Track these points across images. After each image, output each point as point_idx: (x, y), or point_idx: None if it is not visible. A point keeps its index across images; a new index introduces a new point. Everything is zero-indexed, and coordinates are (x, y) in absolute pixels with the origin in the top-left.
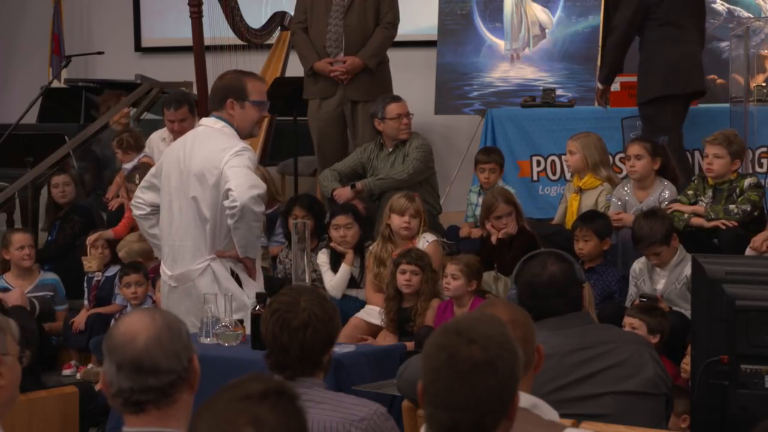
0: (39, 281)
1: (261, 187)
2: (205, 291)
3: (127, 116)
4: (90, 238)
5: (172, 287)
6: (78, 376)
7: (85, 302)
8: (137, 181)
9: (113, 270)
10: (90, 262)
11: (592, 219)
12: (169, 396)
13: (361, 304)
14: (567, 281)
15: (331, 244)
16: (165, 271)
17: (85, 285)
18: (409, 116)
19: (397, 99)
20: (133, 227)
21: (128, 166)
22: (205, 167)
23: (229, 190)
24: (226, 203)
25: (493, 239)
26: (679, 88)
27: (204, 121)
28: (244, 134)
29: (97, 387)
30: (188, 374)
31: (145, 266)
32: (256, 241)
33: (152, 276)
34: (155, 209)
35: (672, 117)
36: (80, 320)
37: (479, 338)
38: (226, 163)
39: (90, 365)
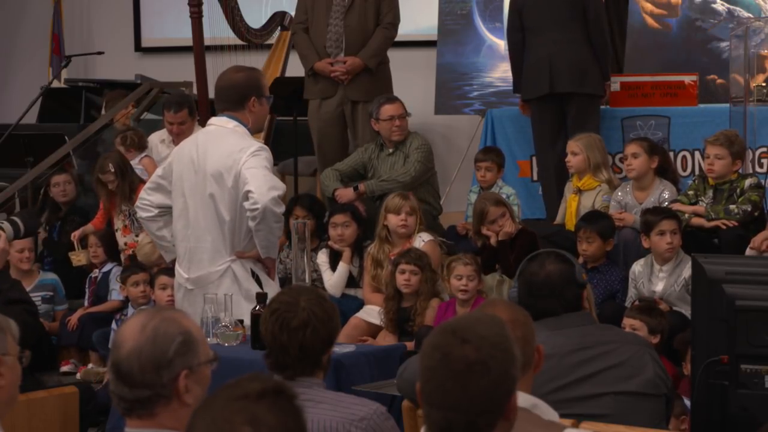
0: (39, 281)
1: (281, 188)
2: (226, 292)
3: (130, 115)
4: (74, 235)
5: (188, 290)
6: (78, 375)
7: (86, 302)
8: (111, 169)
9: (109, 266)
10: (78, 256)
11: (596, 220)
12: (146, 409)
13: (360, 303)
14: (563, 281)
15: (329, 243)
16: (181, 273)
17: (87, 284)
18: (404, 118)
19: (393, 100)
20: (110, 218)
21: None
22: (222, 167)
23: (249, 191)
24: (247, 205)
25: (493, 241)
26: (530, 92)
27: (214, 120)
28: (257, 129)
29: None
30: (168, 392)
31: (148, 266)
32: (277, 241)
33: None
34: (163, 211)
35: (535, 120)
36: (74, 319)
37: (473, 338)
38: (244, 163)
39: (90, 365)
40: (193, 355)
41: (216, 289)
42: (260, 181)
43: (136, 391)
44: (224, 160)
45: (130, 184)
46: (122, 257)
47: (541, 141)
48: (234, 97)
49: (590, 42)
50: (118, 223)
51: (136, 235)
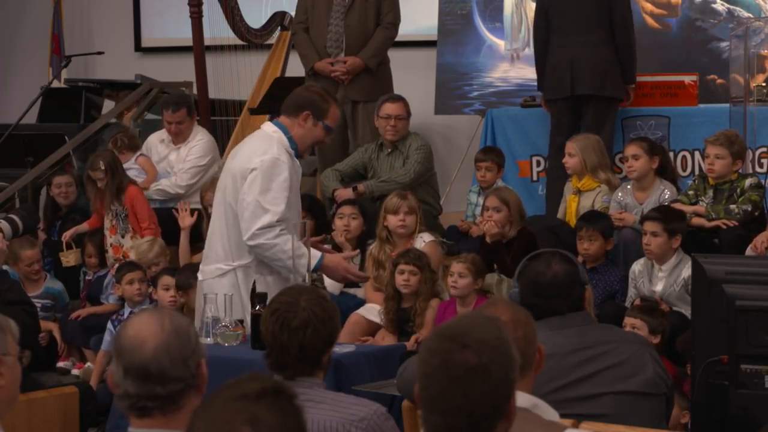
0: (44, 289)
1: (264, 220)
2: (215, 290)
3: (143, 116)
4: (65, 235)
5: (198, 280)
6: (76, 371)
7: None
8: (102, 167)
9: (104, 271)
10: (67, 257)
11: (597, 219)
12: (175, 403)
13: (359, 302)
14: (570, 281)
15: (332, 235)
16: (201, 264)
17: (81, 281)
18: (403, 119)
19: (395, 100)
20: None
21: (125, 165)
22: (238, 171)
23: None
24: None
25: (488, 238)
26: (552, 93)
27: (264, 125)
28: (301, 151)
29: (93, 380)
30: (196, 380)
31: (144, 265)
32: (290, 260)
33: (152, 276)
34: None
35: (554, 119)
36: (83, 313)
37: (472, 343)
38: (246, 182)
39: (88, 364)
40: (201, 344)
41: (216, 286)
42: (246, 219)
43: (170, 386)
44: (242, 163)
45: (119, 183)
46: (107, 257)
47: (556, 141)
48: (294, 104)
49: (614, 45)
50: (107, 222)
51: (122, 236)
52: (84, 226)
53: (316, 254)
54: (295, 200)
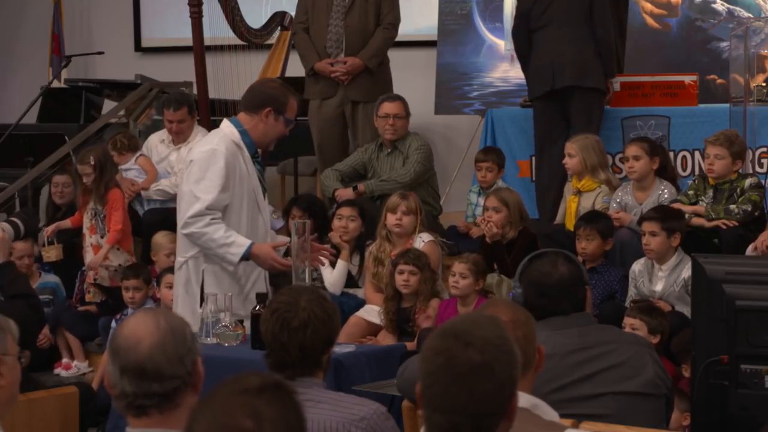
0: (39, 284)
1: (194, 209)
2: (177, 284)
3: (150, 116)
4: (47, 230)
5: None
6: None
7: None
8: (91, 161)
9: None
10: (48, 252)
11: (596, 219)
12: (172, 401)
13: (359, 302)
14: (575, 282)
15: (330, 234)
16: None
17: (78, 278)
18: (402, 119)
19: (393, 99)
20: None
21: (125, 166)
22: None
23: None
24: None
25: (488, 239)
26: (534, 92)
27: (222, 123)
28: (263, 145)
29: (95, 381)
30: (192, 378)
31: (148, 268)
32: (219, 249)
33: (155, 276)
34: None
35: (536, 120)
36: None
37: (476, 341)
38: (187, 169)
39: (75, 362)
40: (196, 342)
41: (176, 278)
42: (182, 209)
43: (167, 384)
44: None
45: (106, 183)
46: (84, 256)
47: (542, 140)
48: (253, 101)
49: (594, 40)
50: (86, 221)
51: (101, 236)
52: (66, 223)
53: (244, 242)
54: (248, 190)
